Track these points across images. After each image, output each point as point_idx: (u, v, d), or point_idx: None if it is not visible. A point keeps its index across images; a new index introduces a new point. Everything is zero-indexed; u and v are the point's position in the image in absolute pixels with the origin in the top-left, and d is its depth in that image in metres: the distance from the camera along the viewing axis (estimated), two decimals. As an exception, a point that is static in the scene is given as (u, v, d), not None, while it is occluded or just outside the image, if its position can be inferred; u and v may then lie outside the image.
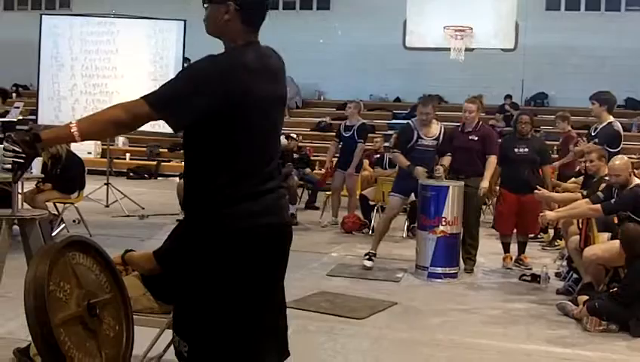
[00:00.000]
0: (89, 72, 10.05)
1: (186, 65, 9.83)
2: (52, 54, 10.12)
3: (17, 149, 2.27)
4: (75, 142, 2.46)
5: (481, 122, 7.36)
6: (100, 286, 2.33)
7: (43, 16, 10.55)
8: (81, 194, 8.04)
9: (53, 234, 2.26)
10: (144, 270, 3.61)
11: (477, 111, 7.24)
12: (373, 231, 8.76)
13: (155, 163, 15.00)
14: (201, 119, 2.52)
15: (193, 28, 9.87)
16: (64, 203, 7.84)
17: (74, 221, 8.18)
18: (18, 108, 8.21)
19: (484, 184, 6.93)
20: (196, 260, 2.62)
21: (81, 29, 10.26)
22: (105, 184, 10.09)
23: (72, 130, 2.37)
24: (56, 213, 7.81)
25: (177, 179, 13.51)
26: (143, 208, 10.04)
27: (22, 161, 2.28)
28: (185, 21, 10.02)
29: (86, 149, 13.09)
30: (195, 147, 2.66)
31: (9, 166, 2.25)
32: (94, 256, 2.36)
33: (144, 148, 15.46)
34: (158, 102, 2.44)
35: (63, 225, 7.60)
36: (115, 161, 11.94)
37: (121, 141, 14.53)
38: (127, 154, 14.97)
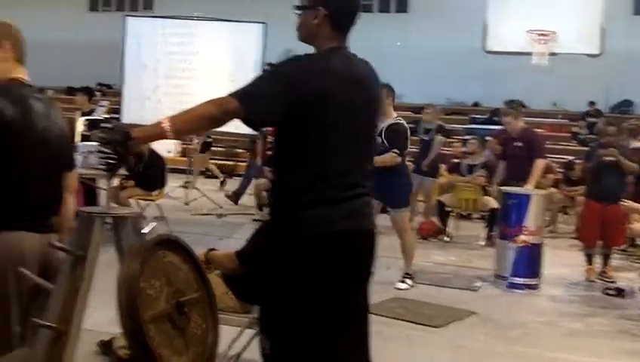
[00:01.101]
0: (171, 73, 10.23)
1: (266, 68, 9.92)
2: (136, 55, 10.34)
3: (109, 150, 2.31)
4: (167, 138, 2.50)
5: (525, 128, 7.57)
6: (188, 284, 2.35)
7: (127, 17, 10.80)
8: (162, 192, 8.20)
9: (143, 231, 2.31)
10: (226, 269, 3.64)
11: (514, 119, 7.44)
12: (449, 238, 8.66)
13: (232, 163, 15.19)
14: (283, 119, 2.55)
15: (274, 31, 10.00)
16: (146, 200, 8.01)
17: (155, 218, 8.36)
18: (103, 106, 8.41)
19: (528, 188, 6.95)
20: (276, 262, 2.64)
21: (164, 31, 10.45)
22: (186, 182, 10.28)
23: (163, 127, 2.41)
24: (138, 209, 7.99)
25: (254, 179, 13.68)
26: (221, 207, 10.18)
27: (115, 161, 2.32)
28: (265, 24, 10.09)
29: (166, 148, 13.33)
30: (279, 148, 2.68)
31: (103, 166, 2.29)
32: (183, 254, 2.38)
33: (222, 148, 15.67)
34: (245, 99, 2.48)
35: (155, 223, 7.75)
36: (191, 160, 12.12)
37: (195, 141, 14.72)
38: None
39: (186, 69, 10.22)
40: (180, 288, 2.30)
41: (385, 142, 6.13)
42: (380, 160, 5.71)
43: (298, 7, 2.65)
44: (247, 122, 2.59)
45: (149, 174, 7.77)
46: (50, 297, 2.37)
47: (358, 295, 2.68)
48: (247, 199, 10.74)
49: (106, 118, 7.96)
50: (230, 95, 2.49)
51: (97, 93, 15.68)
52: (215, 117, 2.49)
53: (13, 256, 2.66)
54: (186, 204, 10.18)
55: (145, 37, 10.42)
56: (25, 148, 2.71)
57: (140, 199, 8.01)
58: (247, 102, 2.48)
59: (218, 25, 10.58)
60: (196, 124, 2.55)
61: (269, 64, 10.43)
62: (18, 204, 2.70)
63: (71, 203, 3.01)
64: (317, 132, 2.53)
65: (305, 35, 2.67)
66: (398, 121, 6.34)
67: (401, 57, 17.23)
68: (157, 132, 2.44)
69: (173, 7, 14.98)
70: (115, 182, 7.97)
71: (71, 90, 17.05)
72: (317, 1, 2.62)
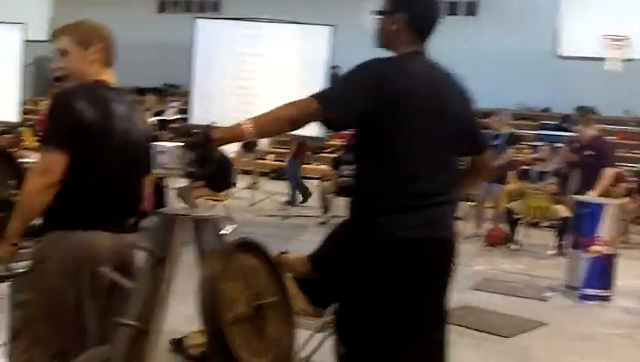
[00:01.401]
0: (238, 75, 10.29)
1: (332, 71, 9.91)
2: (204, 56, 10.45)
3: (193, 157, 2.33)
4: (246, 140, 2.52)
5: (596, 136, 7.48)
6: (266, 288, 2.34)
7: (198, 19, 10.93)
8: (230, 193, 8.27)
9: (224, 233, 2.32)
10: (298, 273, 3.64)
11: (584, 127, 7.41)
12: (517, 246, 8.49)
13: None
14: (362, 122, 2.53)
15: (342, 33, 9.97)
16: (214, 200, 8.08)
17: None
18: (174, 107, 8.53)
19: (593, 195, 6.85)
20: (352, 267, 2.63)
21: (233, 33, 10.53)
22: (254, 183, 10.35)
23: (243, 129, 2.43)
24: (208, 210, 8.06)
25: (318, 182, 13.69)
26: (286, 208, 10.21)
27: (199, 164, 2.35)
28: (334, 26, 10.08)
29: (231, 149, 13.44)
30: (357, 153, 2.67)
31: (191, 169, 2.32)
32: (262, 258, 2.37)
33: (287, 150, 15.71)
34: (326, 101, 2.49)
35: (236, 225, 7.82)
36: (257, 161, 12.20)
37: (264, 142, 14.80)
38: (271, 155, 15.24)
39: (253, 70, 10.25)
40: (259, 291, 2.30)
41: None
42: None
43: (377, 13, 2.64)
44: (327, 125, 2.58)
45: (219, 174, 7.82)
46: (129, 296, 2.39)
47: (433, 303, 2.63)
48: (312, 200, 10.75)
49: (175, 118, 8.09)
50: (311, 97, 2.50)
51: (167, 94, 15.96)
52: (296, 119, 2.50)
53: (88, 254, 2.69)
54: (252, 204, 10.25)
55: (214, 38, 10.51)
56: (104, 150, 2.74)
57: (208, 199, 8.09)
58: (328, 104, 2.48)
59: (286, 27, 10.60)
60: (276, 126, 2.56)
61: (334, 67, 10.46)
62: (96, 205, 2.74)
63: (143, 206, 3.06)
64: (394, 137, 2.51)
65: (383, 41, 2.67)
66: None
67: (470, 61, 16.99)
68: (237, 133, 2.46)
69: (240, 9, 15.12)
70: (185, 182, 8.07)
71: (141, 91, 17.44)
72: (396, 7, 2.61)
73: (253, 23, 10.64)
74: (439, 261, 2.62)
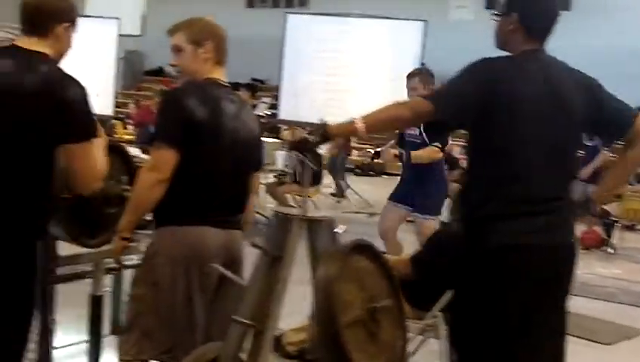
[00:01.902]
0: (327, 70, 10.29)
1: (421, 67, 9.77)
2: (293, 51, 10.50)
3: (307, 161, 2.35)
4: (358, 137, 2.52)
5: None
6: (380, 291, 2.32)
7: (288, 14, 11.00)
8: (318, 189, 8.29)
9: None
10: (399, 274, 3.60)
11: None
12: (613, 250, 8.23)
13: (381, 161, 15.15)
14: (473, 122, 2.49)
15: (431, 29, 9.86)
16: (302, 196, 8.12)
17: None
18: (266, 103, 8.60)
19: None
20: (462, 273, 2.58)
21: (322, 28, 10.55)
22: (342, 180, 10.37)
23: (356, 126, 2.44)
24: (293, 205, 8.12)
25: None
26: (372, 205, 10.17)
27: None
28: (426, 22, 9.96)
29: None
30: (469, 154, 2.62)
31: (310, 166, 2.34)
32: (376, 260, 2.35)
33: (370, 146, 15.66)
34: (438, 100, 2.46)
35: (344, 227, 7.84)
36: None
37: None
38: (355, 152, 15.22)
39: (342, 66, 10.24)
40: (373, 294, 2.27)
41: (423, 134, 5.16)
42: (416, 155, 5.01)
43: (495, 14, 2.61)
44: (438, 124, 2.55)
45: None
46: (241, 294, 2.40)
47: (547, 313, 2.55)
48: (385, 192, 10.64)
49: (266, 113, 8.16)
50: (424, 97, 2.48)
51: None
52: (408, 118, 2.52)
53: (198, 250, 2.73)
54: (338, 201, 10.26)
55: (303, 34, 10.56)
56: (214, 147, 2.77)
57: (296, 195, 8.14)
58: (439, 103, 2.45)
59: (377, 22, 10.55)
60: (388, 124, 2.60)
61: (422, 64, 10.34)
62: (205, 202, 2.78)
63: (253, 203, 3.08)
64: (506, 138, 2.45)
65: (500, 41, 2.63)
66: None
67: (563, 57, 16.55)
68: (350, 130, 2.48)
69: (328, 4, 15.13)
70: (272, 178, 8.15)
71: (233, 86, 17.66)
72: (511, 7, 2.57)
73: (343, 18, 10.63)
74: (553, 269, 2.53)
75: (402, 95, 9.72)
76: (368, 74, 10.15)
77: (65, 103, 2.37)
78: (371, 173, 14.68)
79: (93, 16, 11.84)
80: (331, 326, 2.09)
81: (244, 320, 2.26)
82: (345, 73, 10.34)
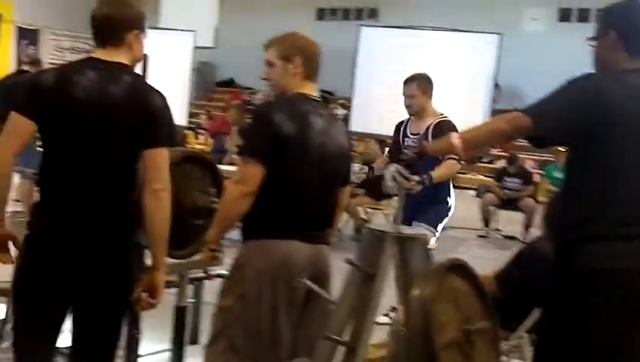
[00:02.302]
0: (396, 83, 10.20)
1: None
2: (364, 64, 10.47)
3: (404, 175, 2.33)
4: (458, 155, 2.49)
5: None
6: (474, 312, 2.27)
7: (361, 27, 10.99)
8: (391, 202, 8.23)
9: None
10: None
11: None
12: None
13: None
14: (571, 140, 2.44)
15: (504, 42, 9.68)
16: (374, 209, 8.08)
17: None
18: (340, 115, 8.61)
19: None
20: (552, 295, 2.51)
21: (393, 41, 10.47)
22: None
23: (454, 143, 2.41)
24: (364, 217, 8.09)
25: (471, 193, 13.42)
26: (444, 220, 10.04)
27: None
28: (501, 35, 9.81)
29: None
30: (567, 172, 2.55)
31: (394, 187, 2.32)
32: (470, 280, 2.30)
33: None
34: (537, 115, 2.41)
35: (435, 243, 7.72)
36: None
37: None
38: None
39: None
40: (468, 315, 2.23)
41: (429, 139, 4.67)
42: (437, 175, 4.37)
43: (592, 39, 2.54)
44: (536, 140, 2.49)
45: (380, 183, 7.82)
46: (331, 310, 2.38)
47: (637, 336, 2.45)
48: (467, 212, 10.49)
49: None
50: (521, 111, 2.43)
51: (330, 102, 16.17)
52: (506, 133, 2.47)
53: (285, 264, 2.73)
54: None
55: (375, 46, 10.50)
56: (300, 162, 2.77)
57: (368, 208, 8.10)
58: (539, 118, 2.39)
59: (451, 35, 10.44)
60: (486, 140, 2.56)
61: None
62: (292, 216, 2.78)
63: (340, 218, 3.07)
64: (608, 156, 2.38)
65: (599, 64, 2.55)
66: (448, 119, 4.88)
67: None
68: (447, 147, 2.44)
69: (398, 16, 15.10)
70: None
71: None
72: (606, 26, 2.50)
73: (416, 30, 10.56)
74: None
75: (476, 109, 9.72)
76: (441, 88, 9.99)
77: (149, 112, 2.48)
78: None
79: (169, 29, 12.08)
80: (428, 347, 2.05)
81: (338, 338, 2.24)
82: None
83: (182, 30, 11.89)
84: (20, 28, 15.11)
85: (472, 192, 13.68)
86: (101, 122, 2.46)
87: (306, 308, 2.79)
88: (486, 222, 9.46)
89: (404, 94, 4.88)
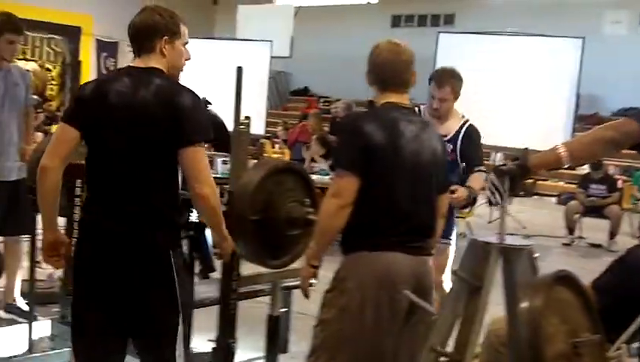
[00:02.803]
0: (477, 90, 10.07)
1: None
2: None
3: (504, 186, 2.29)
4: (562, 165, 2.44)
5: None
6: (581, 324, 2.22)
7: (440, 34, 10.91)
8: (473, 210, 8.14)
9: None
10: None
11: None
12: None
13: (531, 181, 14.70)
14: None
15: (586, 46, 9.46)
16: (456, 217, 7.99)
17: (460, 234, 8.33)
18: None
19: None
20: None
21: (474, 46, 10.36)
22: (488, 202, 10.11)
23: (560, 154, 2.37)
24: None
25: (553, 200, 13.14)
26: (525, 227, 9.87)
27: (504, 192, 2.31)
28: (583, 39, 9.59)
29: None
30: None
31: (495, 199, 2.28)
32: (577, 292, 2.25)
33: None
34: None
35: (538, 254, 7.67)
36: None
37: (495, 157, 14.49)
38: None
39: (493, 85, 10.00)
40: (575, 327, 2.18)
41: (458, 157, 4.31)
42: (476, 189, 4.02)
43: None
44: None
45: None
46: (434, 322, 2.36)
47: None
48: (550, 220, 10.28)
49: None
50: (630, 117, 2.37)
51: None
52: (615, 140, 2.42)
53: (388, 276, 2.72)
54: (489, 222, 10.02)
55: (455, 52, 10.38)
56: (394, 171, 2.76)
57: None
58: None
59: (531, 40, 10.26)
60: (594, 149, 2.49)
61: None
62: (391, 227, 2.76)
63: (440, 226, 3.04)
64: None
65: None
66: (472, 123, 4.53)
67: None
68: (552, 159, 2.40)
69: (474, 22, 14.94)
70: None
71: (372, 103, 17.77)
72: None
73: (496, 36, 10.41)
74: None
75: (557, 115, 9.51)
76: (521, 93, 9.85)
77: (178, 111, 2.57)
78: (521, 193, 14.23)
79: (246, 40, 12.25)
80: (537, 359, 2.02)
81: (443, 350, 2.22)
82: (495, 93, 10.08)
83: (259, 40, 12.04)
84: (99, 41, 15.54)
85: (554, 199, 13.41)
86: (134, 125, 2.59)
87: (408, 321, 2.77)
88: (570, 230, 9.25)
89: (434, 96, 4.38)
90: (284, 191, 3.07)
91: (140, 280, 2.59)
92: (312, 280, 2.90)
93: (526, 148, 2.61)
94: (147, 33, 2.70)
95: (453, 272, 2.24)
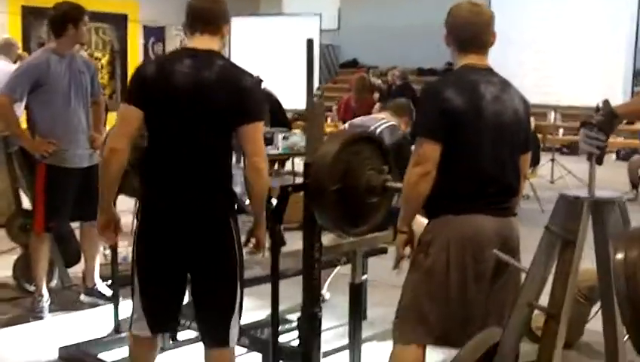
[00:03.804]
0: (538, 48, 9.88)
1: None
2: (499, 30, 10.12)
3: (600, 137, 2.27)
4: None
5: None
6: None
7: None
8: (536, 170, 8.05)
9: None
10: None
11: None
12: None
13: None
14: None
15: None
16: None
17: (523, 196, 8.25)
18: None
19: None
20: None
21: (530, 2, 10.09)
22: (550, 160, 9.97)
23: None
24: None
25: (613, 156, 12.89)
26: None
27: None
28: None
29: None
30: None
31: (594, 149, 2.27)
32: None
33: (576, 124, 14.93)
34: None
35: None
36: (548, 136, 11.73)
37: (552, 117, 14.22)
38: (560, 130, 14.62)
39: (555, 42, 9.76)
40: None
41: None
42: None
43: None
44: None
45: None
46: (526, 278, 2.37)
47: None
48: (612, 176, 10.05)
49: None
50: None
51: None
52: None
53: (471, 238, 2.73)
54: (551, 182, 9.90)
55: (509, 10, 10.08)
56: (476, 134, 2.76)
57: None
58: None
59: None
60: None
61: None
62: (475, 190, 2.77)
63: (523, 187, 3.03)
64: None
65: None
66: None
67: None
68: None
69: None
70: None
71: (421, 72, 17.64)
72: None
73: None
74: None
75: (617, 72, 9.26)
76: (585, 49, 9.56)
77: (240, 91, 2.75)
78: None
79: (294, 14, 12.25)
80: (635, 311, 2.02)
81: (540, 304, 2.24)
82: (558, 50, 9.81)
83: (307, 14, 12.03)
84: (145, 27, 15.71)
85: (613, 156, 13.18)
86: (198, 104, 2.73)
87: (496, 282, 2.79)
88: (633, 185, 9.08)
89: None
90: (362, 160, 3.09)
91: (202, 233, 2.79)
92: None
93: (606, 100, 2.55)
94: (215, 17, 2.85)
95: (545, 227, 2.25)
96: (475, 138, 2.75)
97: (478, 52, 2.89)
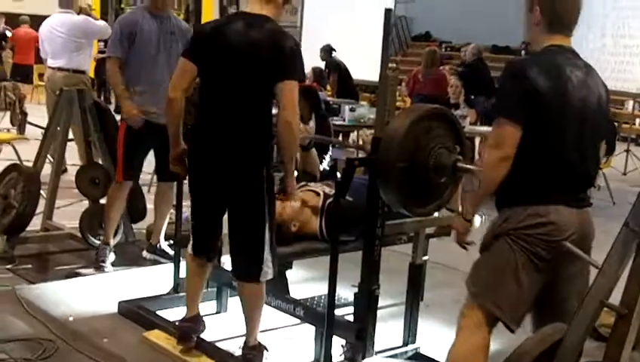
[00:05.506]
0: (620, 32, 9.52)
1: None
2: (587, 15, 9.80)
3: None
4: None
5: None
6: None
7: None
8: (610, 160, 7.79)
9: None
10: None
11: None
12: None
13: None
14: None
15: None
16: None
17: (594, 187, 8.00)
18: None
19: None
20: None
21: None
22: (625, 151, 9.65)
23: None
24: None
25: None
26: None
27: None
28: None
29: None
30: None
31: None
32: None
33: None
34: None
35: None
36: (623, 125, 11.33)
37: (630, 105, 13.74)
38: (637, 120, 14.08)
39: (638, 28, 9.39)
40: None
41: None
42: None
43: None
44: None
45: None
46: (599, 274, 2.27)
47: None
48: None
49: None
50: None
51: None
52: None
53: (547, 231, 2.59)
54: (624, 173, 9.58)
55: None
56: (560, 120, 2.60)
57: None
58: None
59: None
60: None
61: None
62: (554, 179, 2.62)
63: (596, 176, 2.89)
64: None
65: None
66: None
67: None
68: None
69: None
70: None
71: (496, 49, 17.24)
72: None
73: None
74: None
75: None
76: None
77: (283, 51, 3.11)
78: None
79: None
80: None
81: (612, 304, 2.14)
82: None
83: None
84: (220, -13, 15.70)
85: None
86: (245, 59, 3.11)
87: (568, 274, 2.67)
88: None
89: None
90: (434, 137, 3.00)
91: (237, 175, 3.19)
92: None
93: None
94: None
95: (624, 224, 2.14)
96: (559, 123, 2.60)
97: (564, 32, 2.73)
